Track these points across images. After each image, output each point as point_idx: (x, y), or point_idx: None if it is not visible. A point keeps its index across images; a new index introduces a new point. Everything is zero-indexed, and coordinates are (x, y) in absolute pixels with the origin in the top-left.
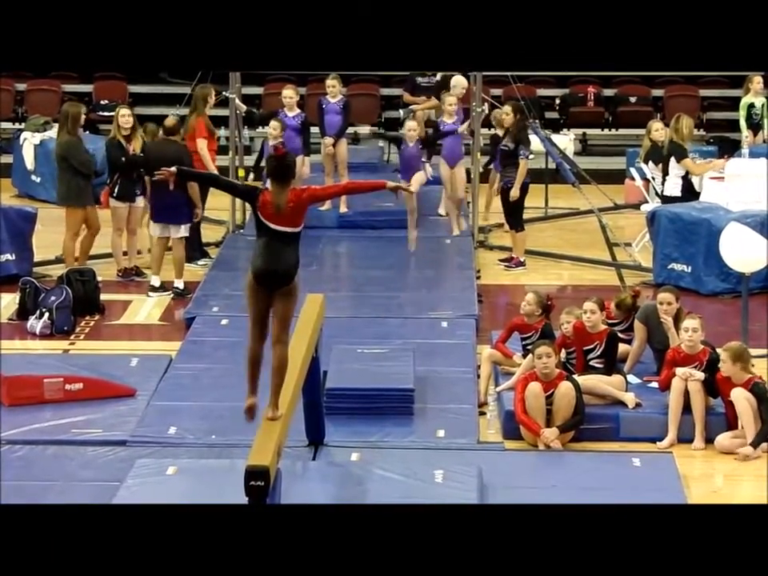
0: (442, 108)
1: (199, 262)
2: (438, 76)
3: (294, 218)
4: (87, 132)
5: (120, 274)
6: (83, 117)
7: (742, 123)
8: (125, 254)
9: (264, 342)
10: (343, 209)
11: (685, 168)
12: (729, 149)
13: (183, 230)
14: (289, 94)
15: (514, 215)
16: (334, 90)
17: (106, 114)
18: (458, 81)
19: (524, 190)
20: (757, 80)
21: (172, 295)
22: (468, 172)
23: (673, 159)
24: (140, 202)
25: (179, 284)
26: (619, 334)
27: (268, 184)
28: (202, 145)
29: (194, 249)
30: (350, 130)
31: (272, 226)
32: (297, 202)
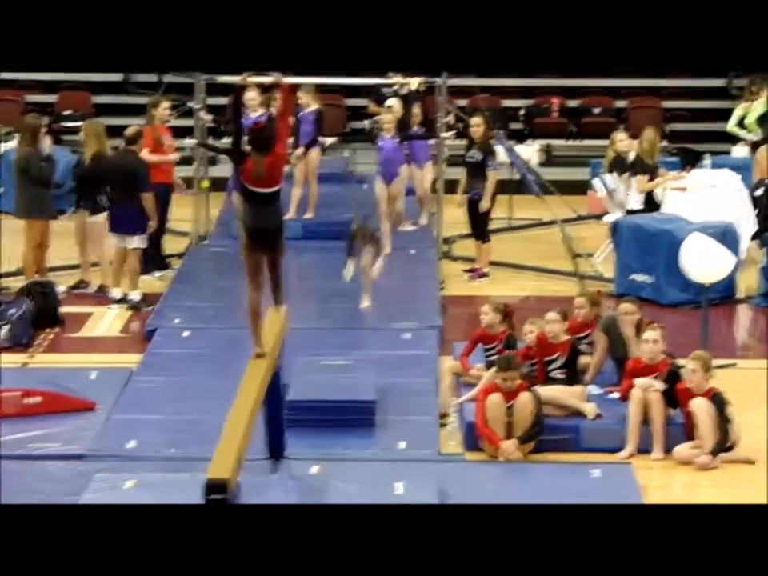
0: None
1: (156, 274)
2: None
3: (271, 180)
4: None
5: (71, 286)
6: (44, 128)
7: (734, 129)
8: (93, 264)
9: (261, 292)
10: (309, 214)
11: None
12: (691, 160)
13: (137, 241)
14: (251, 96)
15: (481, 226)
16: (301, 101)
17: (69, 124)
18: (393, 103)
19: (492, 200)
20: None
21: (126, 306)
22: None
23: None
24: (99, 217)
25: (134, 296)
26: (583, 348)
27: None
28: (144, 153)
29: (151, 261)
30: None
31: (254, 189)
32: (272, 164)
